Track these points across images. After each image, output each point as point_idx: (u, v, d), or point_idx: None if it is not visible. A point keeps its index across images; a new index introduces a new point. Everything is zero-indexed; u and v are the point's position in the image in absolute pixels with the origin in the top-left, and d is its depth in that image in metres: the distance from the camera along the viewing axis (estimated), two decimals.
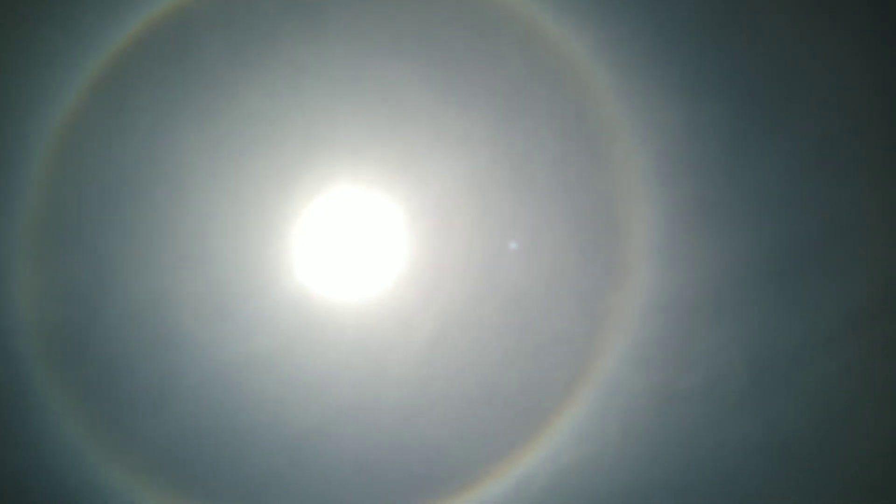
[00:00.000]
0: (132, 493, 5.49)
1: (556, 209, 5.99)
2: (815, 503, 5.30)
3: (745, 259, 5.47)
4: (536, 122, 5.83)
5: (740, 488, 5.39)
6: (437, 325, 5.79)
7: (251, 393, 5.56)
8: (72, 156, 5.62)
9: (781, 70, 5.32)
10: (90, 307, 5.55)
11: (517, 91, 5.66)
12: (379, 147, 5.64)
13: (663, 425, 5.80)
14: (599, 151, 6.04)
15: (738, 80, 5.43)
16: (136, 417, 5.50)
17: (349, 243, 5.80)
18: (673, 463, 5.68)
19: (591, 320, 6.08)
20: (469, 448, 5.82)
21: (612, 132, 5.93)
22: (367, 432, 5.67)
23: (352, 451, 5.62)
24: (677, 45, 5.87)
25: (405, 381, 5.74)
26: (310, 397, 5.66)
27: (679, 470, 5.59)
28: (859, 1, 5.41)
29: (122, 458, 5.52)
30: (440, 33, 5.43)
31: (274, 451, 5.55)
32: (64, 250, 5.63)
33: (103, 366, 5.52)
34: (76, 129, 5.65)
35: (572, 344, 6.03)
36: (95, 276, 5.57)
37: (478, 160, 5.77)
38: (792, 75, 5.31)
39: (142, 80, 5.55)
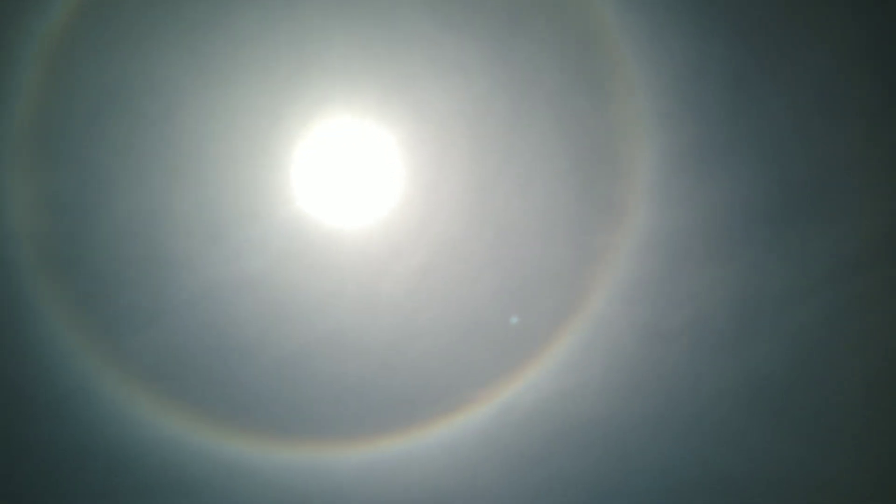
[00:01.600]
0: (123, 402, 5.64)
1: (554, 142, 5.95)
2: (785, 444, 5.45)
3: (739, 202, 5.47)
4: (536, 52, 5.72)
5: (716, 424, 5.53)
6: (429, 255, 5.84)
7: (242, 312, 5.65)
8: (63, 66, 5.54)
9: (784, 11, 5.19)
10: (82, 220, 5.57)
11: (517, 18, 5.53)
12: (375, 73, 5.55)
13: (646, 361, 5.92)
14: (600, 85, 5.95)
15: (742, 19, 5.30)
16: (127, 330, 5.60)
17: (343, 170, 5.78)
18: (653, 397, 5.83)
19: (583, 257, 6.13)
20: (454, 375, 5.96)
21: (614, 66, 5.83)
22: (355, 356, 5.79)
23: (339, 373, 5.75)
24: None
25: (394, 307, 5.82)
26: (300, 320, 5.76)
27: (658, 404, 5.74)
28: None
29: (113, 369, 5.66)
30: None
31: (262, 370, 5.68)
32: (56, 162, 5.62)
33: (95, 279, 5.59)
34: (67, 38, 5.56)
35: (562, 279, 6.09)
36: (88, 189, 5.57)
37: (475, 88, 5.68)
38: (795, 17, 5.18)
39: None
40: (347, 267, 5.79)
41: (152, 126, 5.58)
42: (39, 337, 5.51)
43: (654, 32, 5.79)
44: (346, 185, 5.78)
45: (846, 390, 5.50)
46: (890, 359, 5.78)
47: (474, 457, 5.84)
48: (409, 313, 5.80)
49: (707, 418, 5.54)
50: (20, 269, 5.50)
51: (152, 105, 5.56)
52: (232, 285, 5.66)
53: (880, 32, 5.04)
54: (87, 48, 5.63)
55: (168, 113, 5.57)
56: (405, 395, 5.89)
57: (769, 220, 5.72)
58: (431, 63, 5.66)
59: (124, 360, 5.65)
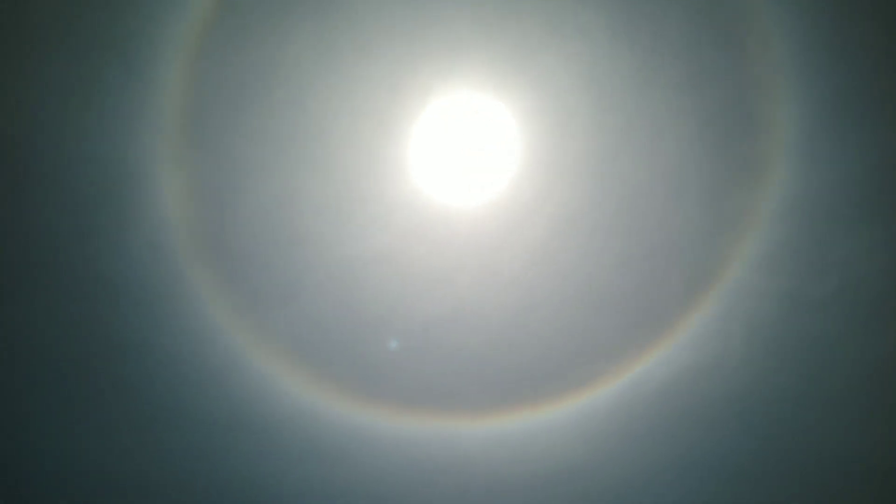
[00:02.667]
0: (267, 376, 6.04)
1: (683, 102, 5.59)
2: None
3: (891, 158, 4.88)
4: (661, 6, 5.37)
5: (865, 402, 5.05)
6: (551, 226, 5.72)
7: (371, 288, 5.83)
8: (201, 62, 5.91)
9: None
10: (225, 206, 5.97)
11: None
12: (491, 44, 5.46)
13: (790, 333, 5.49)
14: (732, 37, 5.50)
15: None
16: (269, 308, 5.97)
17: (463, 143, 5.77)
18: (797, 372, 5.40)
19: (718, 221, 5.75)
20: (581, 348, 5.83)
21: (747, 14, 5.36)
22: (480, 329, 5.82)
23: (464, 345, 5.81)
24: None
25: (517, 280, 5.78)
26: (426, 294, 5.86)
27: (802, 381, 5.31)
28: None
29: (259, 344, 6.06)
30: None
31: (390, 342, 5.85)
32: (200, 153, 6.04)
33: (238, 260, 5.98)
34: (204, 37, 5.91)
35: (694, 246, 5.76)
36: (228, 177, 5.95)
37: (596, 53, 5.45)
38: None
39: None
40: (470, 241, 5.80)
41: (282, 113, 5.85)
42: (191, 316, 5.99)
43: None
44: (467, 158, 5.77)
45: None
46: None
47: (603, 432, 5.72)
48: (531, 285, 5.73)
49: (856, 395, 5.06)
50: (172, 254, 5.99)
51: (281, 93, 5.82)
52: (360, 262, 5.85)
53: None
54: (222, 43, 5.97)
55: (295, 99, 5.80)
56: (531, 368, 5.86)
57: None
58: (549, 30, 5.48)
59: (266, 336, 6.03)
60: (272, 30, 5.77)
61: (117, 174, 5.92)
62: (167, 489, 6.30)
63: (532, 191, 5.68)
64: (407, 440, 5.93)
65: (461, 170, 5.76)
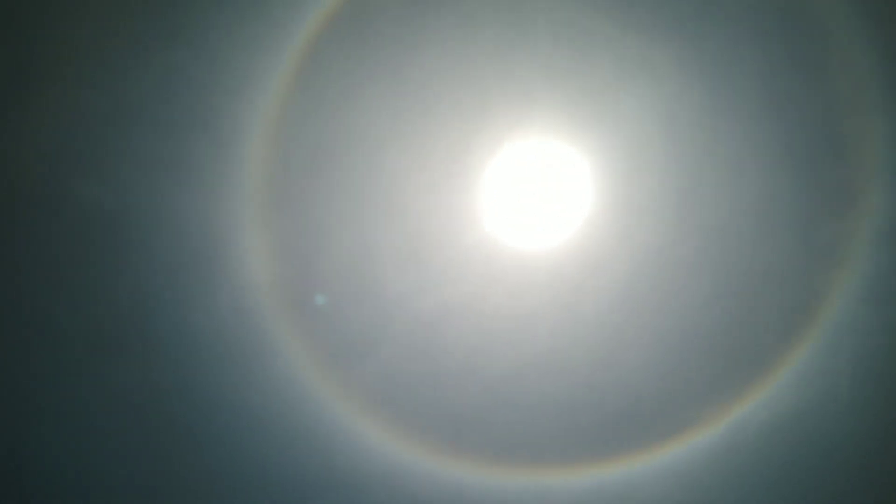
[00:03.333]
0: (355, 432, 6.02)
1: (763, 128, 5.40)
2: None
3: None
4: (731, 33, 5.26)
5: None
6: (632, 266, 5.55)
7: (450, 339, 5.78)
8: (281, 132, 6.15)
9: None
10: (306, 265, 6.10)
11: (703, 6, 5.14)
12: (558, 87, 5.46)
13: None
14: (811, 57, 5.31)
15: None
16: (351, 363, 5.99)
17: (537, 188, 5.73)
18: None
19: (811, 252, 5.45)
20: (674, 392, 5.56)
21: (826, 32, 5.17)
22: (564, 376, 5.64)
23: (549, 394, 5.63)
24: None
25: (601, 324, 5.60)
26: (508, 342, 5.76)
27: None
28: None
29: (343, 400, 6.07)
30: None
31: (474, 393, 5.74)
32: (282, 216, 6.23)
33: (320, 317, 6.06)
34: (283, 109, 6.16)
35: (789, 279, 5.45)
36: (308, 237, 6.10)
37: (666, 89, 5.36)
38: None
39: (330, 61, 5.88)
40: (550, 285, 5.69)
41: (357, 172, 5.99)
42: (276, 375, 6.08)
43: None
44: (541, 202, 5.72)
45: None
46: None
47: (701, 481, 5.37)
48: (616, 329, 5.54)
49: None
50: (257, 314, 6.13)
51: (356, 153, 5.97)
52: (440, 313, 5.81)
53: None
54: (300, 114, 6.21)
55: (370, 157, 5.94)
56: (622, 415, 5.61)
57: None
58: (616, 68, 5.44)
59: (350, 391, 6.03)
60: (345, 97, 5.97)
61: (203, 240, 6.16)
62: None
63: (610, 231, 5.55)
64: (496, 495, 5.74)
65: (536, 214, 5.70)
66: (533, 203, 5.73)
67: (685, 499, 5.40)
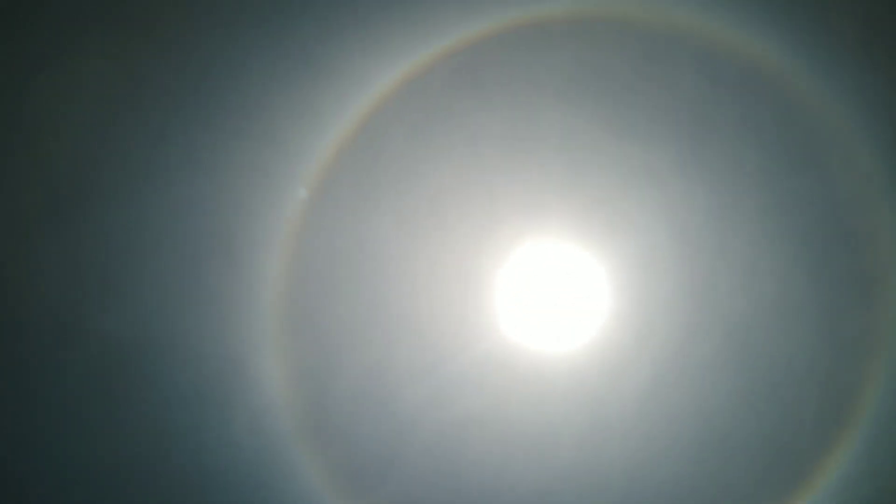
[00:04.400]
0: None
1: (773, 227, 5.42)
2: None
3: None
4: (731, 139, 5.39)
5: None
6: (654, 371, 5.42)
7: (472, 454, 5.58)
8: (295, 255, 6.24)
9: None
10: (322, 385, 6.01)
11: (702, 109, 5.30)
12: (565, 194, 5.56)
13: None
14: (813, 159, 5.40)
15: None
16: (369, 484, 5.76)
17: (551, 294, 5.71)
18: None
19: (838, 347, 5.31)
20: (710, 501, 5.26)
21: (822, 135, 5.28)
22: (597, 490, 5.38)
23: None
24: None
25: (629, 432, 5.40)
26: (532, 455, 5.55)
27: None
28: None
29: None
30: (604, 67, 5.30)
31: None
32: (297, 338, 6.21)
33: (338, 437, 5.90)
34: (297, 233, 6.29)
35: (818, 376, 5.29)
36: (324, 358, 6.05)
37: (672, 190, 5.44)
38: None
39: (343, 182, 6.06)
40: (571, 393, 5.54)
41: (371, 288, 6.02)
42: (296, 499, 5.85)
43: (864, 87, 5.24)
44: (557, 308, 5.67)
45: None
46: None
47: None
48: (644, 438, 5.33)
49: None
50: (274, 438, 5.99)
51: (370, 269, 6.02)
52: (458, 426, 5.65)
53: None
54: (314, 234, 6.34)
55: (384, 272, 5.98)
56: None
57: None
58: (620, 175, 5.56)
59: None
60: (357, 215, 6.10)
61: (220, 366, 6.12)
62: None
63: (630, 334, 5.47)
64: None
65: (552, 320, 5.65)
66: (548, 309, 5.69)
67: None
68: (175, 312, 6.11)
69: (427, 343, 5.74)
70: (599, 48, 5.31)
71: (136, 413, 5.99)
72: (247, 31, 5.84)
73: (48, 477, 5.93)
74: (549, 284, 5.66)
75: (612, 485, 5.38)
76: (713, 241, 5.48)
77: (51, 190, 5.89)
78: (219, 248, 6.12)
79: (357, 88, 5.72)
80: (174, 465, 5.84)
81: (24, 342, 5.95)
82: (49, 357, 6.03)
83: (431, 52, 5.51)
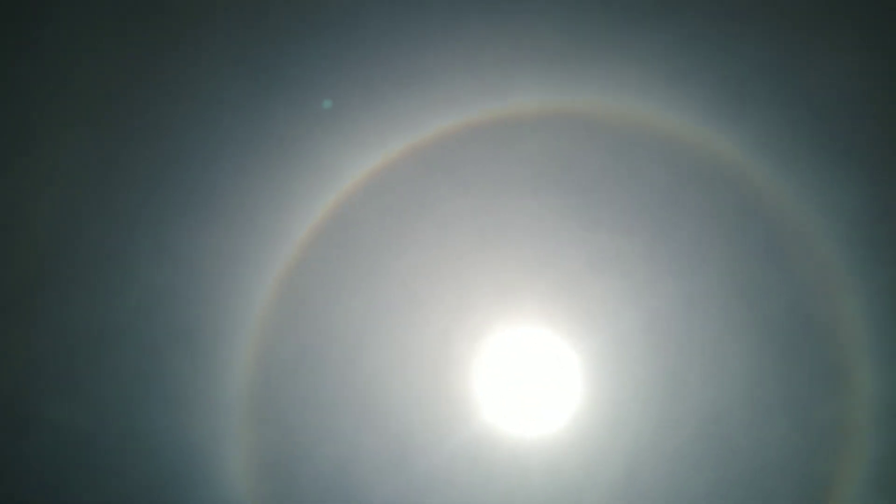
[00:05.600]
0: None
1: (740, 318, 5.47)
2: None
3: None
4: (695, 229, 5.51)
5: None
6: (629, 461, 5.33)
7: None
8: (262, 344, 6.12)
9: None
10: (289, 479, 5.80)
11: (665, 199, 5.43)
12: (535, 281, 5.59)
13: None
14: (776, 249, 5.52)
15: None
16: None
17: (522, 382, 5.65)
18: None
19: (811, 437, 5.30)
20: None
21: (785, 224, 5.43)
22: None
23: None
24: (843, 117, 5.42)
25: None
26: None
27: None
28: None
29: None
30: (572, 159, 5.44)
31: None
32: (263, 428, 6.03)
33: None
34: (264, 322, 6.20)
35: (792, 466, 5.24)
36: (289, 448, 5.86)
37: (640, 278, 5.50)
38: None
39: (314, 271, 6.03)
40: (548, 484, 5.42)
41: (339, 377, 5.91)
42: None
43: (823, 176, 5.43)
44: (526, 395, 5.61)
45: None
46: None
47: None
48: None
49: None
50: None
51: (337, 356, 5.93)
52: None
53: None
54: (281, 324, 6.25)
55: (352, 361, 5.89)
56: None
57: None
58: (589, 263, 5.62)
59: None
60: (328, 303, 6.05)
61: (181, 458, 5.90)
62: None
63: (602, 424, 5.40)
64: None
65: (524, 408, 5.57)
66: (520, 396, 5.62)
67: None
68: (135, 402, 5.92)
69: (397, 434, 5.61)
70: (567, 141, 5.47)
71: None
72: (220, 118, 5.91)
73: None
74: (520, 371, 5.61)
75: None
76: (681, 328, 5.52)
77: (13, 277, 5.77)
78: (183, 337, 6.00)
79: (330, 177, 5.78)
80: None
81: None
82: (5, 446, 5.78)
83: (405, 142, 5.62)
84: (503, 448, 5.47)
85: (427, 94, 5.54)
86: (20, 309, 5.87)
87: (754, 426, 5.38)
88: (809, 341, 5.42)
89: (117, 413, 5.90)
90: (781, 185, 5.49)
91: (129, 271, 5.93)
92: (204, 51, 5.91)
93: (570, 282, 5.58)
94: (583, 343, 5.53)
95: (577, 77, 5.47)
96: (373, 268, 5.83)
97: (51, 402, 5.83)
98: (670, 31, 5.43)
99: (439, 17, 5.60)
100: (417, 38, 5.61)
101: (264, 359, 6.15)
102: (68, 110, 6.00)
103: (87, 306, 5.93)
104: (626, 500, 5.22)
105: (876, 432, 5.19)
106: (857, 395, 5.28)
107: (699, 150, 5.54)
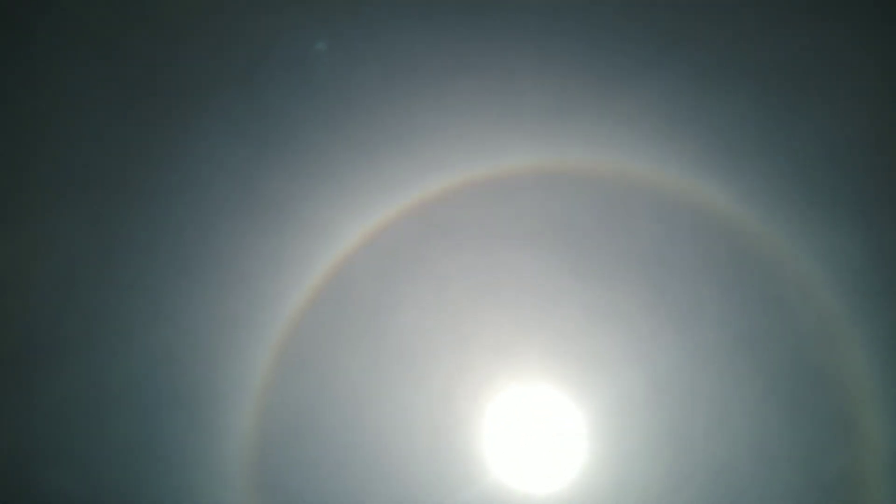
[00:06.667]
0: None
1: (742, 369, 5.44)
2: None
3: None
4: (693, 282, 5.51)
5: None
6: None
7: None
8: (262, 408, 6.06)
9: None
10: None
11: (661, 253, 5.46)
12: (535, 338, 5.57)
13: None
14: (777, 299, 5.52)
15: None
16: None
17: (523, 442, 5.58)
18: None
19: (819, 489, 5.21)
20: None
21: (783, 274, 5.44)
22: None
23: None
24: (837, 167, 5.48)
25: None
26: None
27: None
28: None
29: None
30: (568, 215, 5.48)
31: None
32: (265, 491, 5.93)
33: None
34: (264, 385, 6.13)
35: None
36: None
37: (639, 331, 5.49)
38: None
39: (312, 331, 6.01)
40: None
41: (339, 442, 5.83)
42: None
43: (822, 230, 5.46)
44: (528, 453, 5.53)
45: None
46: None
47: None
48: None
49: None
50: None
51: (336, 421, 5.86)
52: None
53: None
54: (284, 383, 6.20)
55: (352, 424, 5.82)
56: None
57: None
58: (586, 318, 5.60)
59: None
60: (324, 367, 6.00)
61: None
62: None
63: (608, 480, 5.32)
64: None
65: (528, 466, 5.49)
66: (523, 456, 5.55)
67: None
68: (133, 469, 5.83)
69: (401, 497, 5.52)
70: (562, 197, 5.51)
71: None
72: (217, 182, 5.95)
73: None
74: (523, 429, 5.54)
75: None
76: (684, 380, 5.48)
77: (9, 342, 5.74)
78: (182, 402, 5.93)
79: (326, 238, 5.80)
80: None
81: None
82: None
83: (401, 202, 5.66)
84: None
85: (421, 155, 5.61)
86: (16, 374, 5.83)
87: (761, 479, 5.30)
88: (814, 391, 5.38)
89: (115, 480, 5.80)
90: (777, 235, 5.51)
91: (127, 336, 5.90)
92: (200, 116, 5.99)
93: (570, 338, 5.56)
94: (585, 399, 5.48)
95: (570, 135, 5.54)
96: (372, 328, 5.81)
97: (47, 469, 5.74)
98: (660, 88, 5.53)
99: (434, 79, 5.69)
100: (412, 100, 5.70)
101: (264, 423, 6.08)
102: (64, 176, 6.04)
103: (83, 372, 5.88)
104: None
105: (885, 483, 5.12)
106: (864, 445, 5.22)
107: (693, 202, 5.58)
